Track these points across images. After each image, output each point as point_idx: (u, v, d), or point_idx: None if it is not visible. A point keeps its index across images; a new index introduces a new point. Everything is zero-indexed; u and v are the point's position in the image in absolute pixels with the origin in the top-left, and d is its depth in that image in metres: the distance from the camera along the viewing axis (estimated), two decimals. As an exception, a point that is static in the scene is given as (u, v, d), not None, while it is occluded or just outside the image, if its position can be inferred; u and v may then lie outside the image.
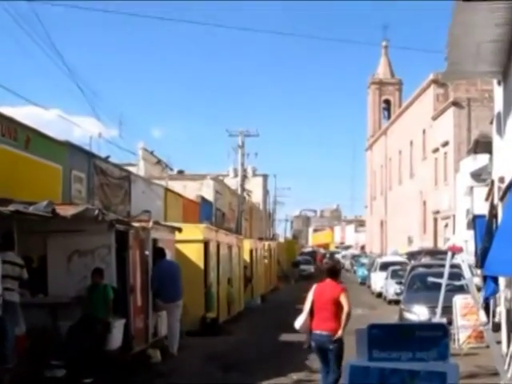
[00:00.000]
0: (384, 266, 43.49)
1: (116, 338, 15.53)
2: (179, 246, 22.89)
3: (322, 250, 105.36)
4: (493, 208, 16.90)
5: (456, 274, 19.55)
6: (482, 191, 31.50)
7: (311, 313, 13.21)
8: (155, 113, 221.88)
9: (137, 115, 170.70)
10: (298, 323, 13.38)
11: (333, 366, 12.60)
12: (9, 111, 22.14)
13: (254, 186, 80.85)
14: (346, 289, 13.80)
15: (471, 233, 23.61)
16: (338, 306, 12.91)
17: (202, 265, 24.15)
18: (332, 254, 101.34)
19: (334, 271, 13.87)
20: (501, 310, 16.87)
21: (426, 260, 35.39)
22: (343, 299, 12.92)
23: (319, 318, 13.04)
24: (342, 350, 12.63)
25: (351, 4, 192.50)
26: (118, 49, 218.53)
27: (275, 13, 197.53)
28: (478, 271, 19.22)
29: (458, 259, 15.41)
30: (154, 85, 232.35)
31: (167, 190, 38.49)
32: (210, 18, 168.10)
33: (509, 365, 12.05)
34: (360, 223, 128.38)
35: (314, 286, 13.64)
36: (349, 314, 12.85)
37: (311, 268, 69.89)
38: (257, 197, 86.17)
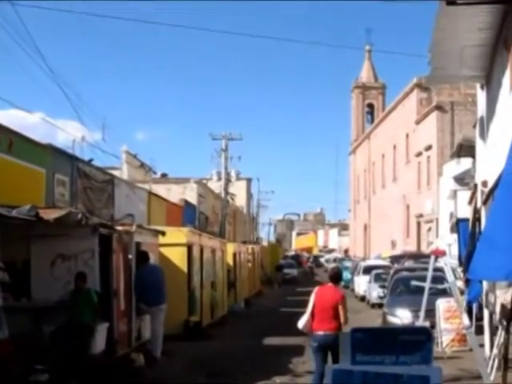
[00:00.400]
0: (367, 270, 43.58)
1: (99, 342, 15.51)
2: (163, 250, 22.87)
3: (305, 254, 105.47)
4: (476, 212, 16.98)
5: (439, 278, 19.65)
6: (465, 195, 31.61)
7: (312, 314, 14.05)
8: (139, 116, 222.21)
9: (120, 119, 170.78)
10: (301, 323, 14.24)
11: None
12: (-9, 114, 22.09)
13: (238, 190, 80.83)
14: (345, 295, 14.78)
15: (454, 236, 23.74)
16: (337, 309, 13.85)
17: (185, 268, 24.14)
18: (316, 257, 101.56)
19: (336, 277, 14.86)
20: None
21: (409, 264, 35.48)
22: (341, 308, 13.84)
23: (320, 319, 13.88)
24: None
25: (335, 8, 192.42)
26: (101, 52, 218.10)
27: (258, 16, 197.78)
28: (461, 275, 19.30)
29: (441, 263, 15.48)
30: (138, 88, 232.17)
31: (150, 193, 38.46)
32: (192, 21, 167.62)
33: (491, 368, 12.12)
34: (343, 227, 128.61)
35: (316, 289, 14.59)
36: (345, 323, 13.72)
37: (294, 271, 69.97)
38: (240, 200, 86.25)
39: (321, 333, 13.81)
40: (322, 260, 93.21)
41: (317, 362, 13.99)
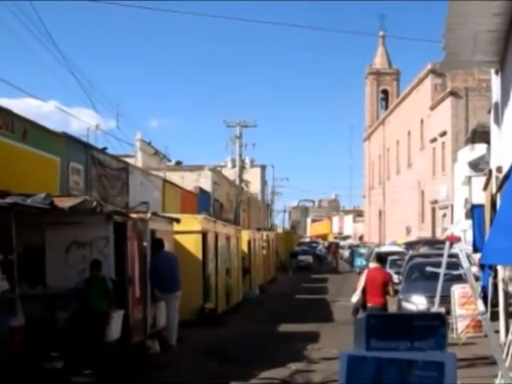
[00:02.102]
0: (381, 257, 43.44)
1: (114, 329, 15.55)
2: (177, 237, 22.89)
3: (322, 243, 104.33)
4: (492, 198, 16.92)
5: (454, 264, 19.54)
6: (479, 181, 31.47)
7: (363, 291, 16.85)
8: (153, 104, 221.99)
9: (134, 106, 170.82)
10: (355, 298, 17.07)
11: None
12: (6, 103, 22.16)
13: (252, 177, 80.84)
14: (391, 275, 18.82)
15: (469, 222, 23.64)
16: (385, 286, 16.90)
17: (200, 256, 24.16)
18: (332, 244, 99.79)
19: (381, 260, 19.18)
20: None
21: (424, 250, 35.45)
22: (390, 284, 17.26)
23: (371, 294, 16.75)
24: None
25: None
26: (114, 39, 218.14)
27: (272, 3, 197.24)
28: (476, 260, 19.26)
29: (456, 249, 15.38)
30: (151, 75, 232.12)
31: (165, 181, 38.49)
32: (208, 9, 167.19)
33: (507, 354, 12.09)
34: (358, 213, 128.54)
35: (367, 271, 17.96)
36: (394, 296, 18.40)
37: (309, 258, 69.85)
38: (255, 187, 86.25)
39: (370, 305, 16.58)
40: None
41: None
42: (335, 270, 63.18)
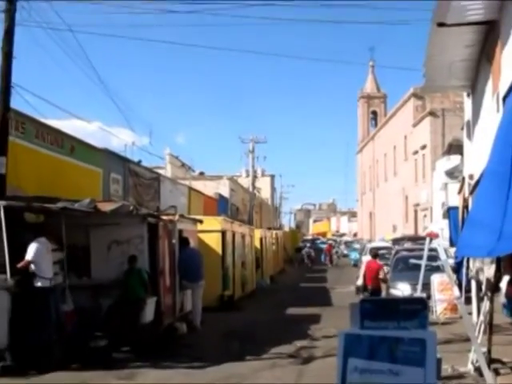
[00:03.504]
0: (376, 252, 43.24)
1: (149, 313, 15.56)
2: (201, 236, 22.90)
3: (322, 240, 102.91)
4: (464, 200, 16.88)
5: (433, 257, 19.45)
6: (454, 187, 31.34)
7: (364, 276, 20.35)
8: (180, 122, 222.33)
9: (164, 125, 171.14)
10: (359, 282, 21.77)
11: None
12: (56, 124, 22.27)
13: (263, 185, 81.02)
14: (383, 265, 21.23)
15: (446, 222, 23.57)
16: (378, 273, 19.86)
17: (220, 251, 24.16)
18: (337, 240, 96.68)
19: (375, 255, 21.33)
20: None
21: (408, 245, 35.27)
22: (381, 272, 20.13)
23: (369, 279, 19.78)
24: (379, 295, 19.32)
25: (342, 28, 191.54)
26: (147, 67, 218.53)
27: (277, 36, 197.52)
28: (452, 253, 19.18)
29: (434, 244, 15.35)
30: (178, 98, 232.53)
31: (190, 188, 38.60)
32: (224, 40, 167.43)
33: (479, 332, 12.05)
34: (352, 214, 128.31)
35: (366, 262, 21.74)
36: (384, 280, 21.00)
37: (311, 251, 69.57)
38: (265, 193, 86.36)
39: (369, 287, 19.65)
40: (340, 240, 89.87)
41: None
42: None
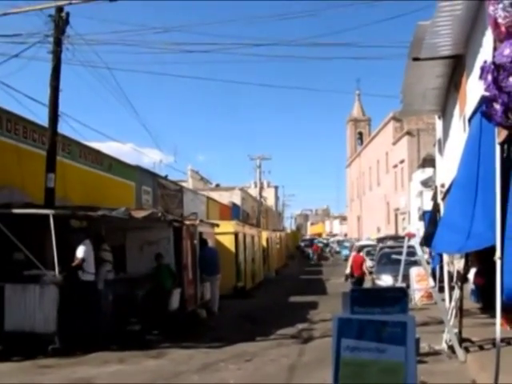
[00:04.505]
0: (361, 248, 43.19)
1: (175, 301, 15.55)
2: (218, 237, 22.92)
3: (318, 239, 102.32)
4: (436, 205, 16.83)
5: (411, 253, 19.41)
6: (428, 194, 31.27)
7: (351, 267, 21.04)
8: (200, 143, 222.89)
9: (187, 145, 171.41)
10: (347, 270, 21.63)
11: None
12: (97, 145, 22.34)
13: (269, 194, 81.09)
14: (365, 258, 22.60)
15: (421, 223, 23.49)
16: (362, 264, 20.92)
17: (233, 249, 24.17)
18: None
19: (360, 250, 23.37)
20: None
21: (390, 243, 35.16)
22: (364, 264, 21.18)
23: (355, 269, 20.71)
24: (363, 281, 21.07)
25: (331, 64, 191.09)
26: (173, 98, 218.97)
27: (282, 71, 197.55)
28: (427, 250, 19.09)
29: (412, 242, 15.34)
30: (199, 123, 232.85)
31: (208, 198, 38.59)
32: (223, 74, 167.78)
33: (451, 315, 11.98)
34: (343, 218, 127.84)
35: (352, 256, 22.47)
36: (368, 273, 22.08)
37: (310, 250, 69.53)
38: (270, 201, 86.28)
39: (355, 274, 20.62)
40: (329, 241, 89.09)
41: (354, 286, 18.92)
42: (326, 259, 62.32)
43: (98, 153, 21.02)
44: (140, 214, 14.62)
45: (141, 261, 16.08)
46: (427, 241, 14.58)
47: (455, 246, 8.06)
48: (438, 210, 16.17)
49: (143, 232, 16.29)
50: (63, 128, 16.38)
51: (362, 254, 22.91)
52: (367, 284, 23.49)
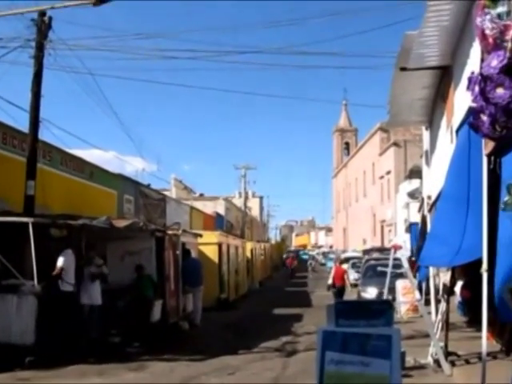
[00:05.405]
0: (346, 260, 43.30)
1: (156, 313, 15.49)
2: (201, 247, 22.85)
3: (303, 251, 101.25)
4: (424, 218, 16.90)
5: (397, 265, 19.47)
6: (415, 206, 31.46)
7: (333, 278, 22.31)
8: (183, 152, 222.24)
9: (171, 154, 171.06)
10: (330, 281, 22.76)
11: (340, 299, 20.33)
12: (78, 152, 22.24)
13: (253, 204, 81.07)
14: (346, 269, 24.99)
15: (408, 235, 23.61)
16: (343, 275, 22.48)
17: (217, 260, 24.12)
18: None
19: (341, 262, 24.53)
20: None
21: (376, 255, 35.25)
22: (345, 275, 22.91)
23: (337, 279, 22.12)
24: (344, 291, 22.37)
25: (319, 73, 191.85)
26: (154, 105, 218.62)
27: (269, 81, 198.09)
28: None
29: (398, 254, 15.39)
30: (183, 132, 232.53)
31: (192, 207, 38.49)
32: (214, 82, 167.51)
33: (437, 329, 12.02)
34: (329, 229, 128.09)
35: (334, 268, 23.74)
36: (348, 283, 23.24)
37: (295, 262, 69.32)
38: (255, 212, 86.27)
39: (337, 285, 21.99)
40: (314, 253, 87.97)
41: (336, 298, 20.62)
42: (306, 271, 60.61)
43: (79, 160, 20.94)
44: (121, 224, 14.56)
45: (122, 271, 15.97)
46: (417, 254, 14.62)
47: (445, 259, 8.08)
48: (425, 222, 16.24)
49: (125, 242, 16.21)
50: (44, 134, 16.31)
51: (343, 266, 25.14)
52: (352, 296, 23.58)
